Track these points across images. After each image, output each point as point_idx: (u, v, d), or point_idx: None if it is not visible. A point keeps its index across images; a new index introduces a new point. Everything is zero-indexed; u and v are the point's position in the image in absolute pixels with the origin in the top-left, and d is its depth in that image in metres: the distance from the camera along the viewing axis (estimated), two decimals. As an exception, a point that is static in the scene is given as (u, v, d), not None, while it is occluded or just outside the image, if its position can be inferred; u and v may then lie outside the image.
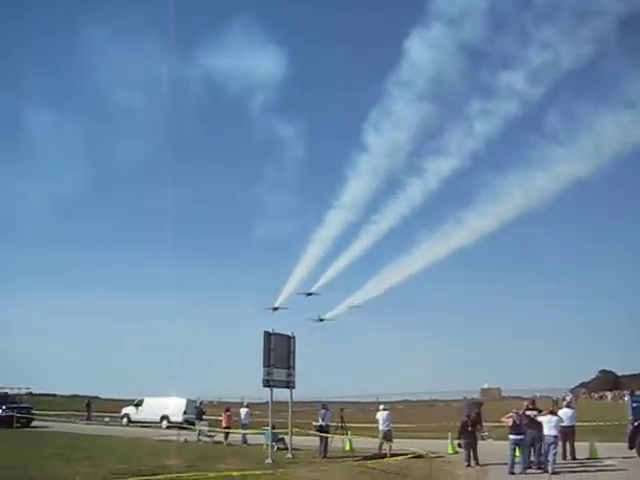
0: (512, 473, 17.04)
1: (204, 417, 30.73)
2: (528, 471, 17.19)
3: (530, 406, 18.65)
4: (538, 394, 76.39)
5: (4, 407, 34.68)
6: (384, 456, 20.58)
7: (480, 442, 22.18)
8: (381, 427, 21.89)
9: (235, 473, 16.98)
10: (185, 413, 36.86)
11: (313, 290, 38.47)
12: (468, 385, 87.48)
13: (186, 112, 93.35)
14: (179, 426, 34.42)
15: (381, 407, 22.85)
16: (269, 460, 20.18)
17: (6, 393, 40.69)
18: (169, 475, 15.60)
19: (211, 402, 55.74)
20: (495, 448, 22.36)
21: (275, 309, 37.94)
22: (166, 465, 18.69)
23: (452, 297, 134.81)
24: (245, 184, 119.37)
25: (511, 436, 17.69)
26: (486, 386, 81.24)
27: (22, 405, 37.34)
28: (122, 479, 15.36)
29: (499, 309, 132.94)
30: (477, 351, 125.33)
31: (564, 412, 19.12)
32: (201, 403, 35.21)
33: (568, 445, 19.28)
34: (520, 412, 18.10)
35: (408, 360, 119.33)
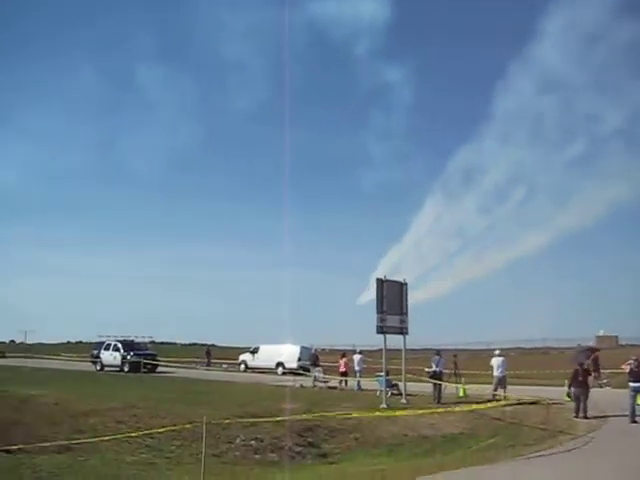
0: (634, 422, 16.34)
1: (319, 363, 31.42)
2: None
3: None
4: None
5: (132, 353, 37.06)
6: (498, 402, 20.28)
7: (598, 389, 21.44)
8: (495, 373, 21.48)
9: (355, 414, 17.35)
10: (299, 360, 37.79)
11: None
12: (583, 332, 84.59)
13: (293, 60, 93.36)
14: (294, 372, 35.40)
15: (496, 352, 22.39)
16: (383, 405, 20.37)
17: (132, 340, 43.16)
18: (293, 416, 16.17)
19: (323, 349, 56.79)
20: (614, 396, 21.60)
21: None
22: (284, 409, 19.26)
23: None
24: (352, 130, 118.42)
25: (631, 384, 16.88)
26: (602, 333, 77.81)
27: (148, 352, 39.69)
28: (243, 421, 16.00)
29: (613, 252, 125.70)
30: (593, 297, 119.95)
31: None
32: (316, 350, 36.04)
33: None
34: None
35: (521, 307, 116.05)
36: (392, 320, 21.42)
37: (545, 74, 50.34)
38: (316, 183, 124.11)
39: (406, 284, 22.57)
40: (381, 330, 21.01)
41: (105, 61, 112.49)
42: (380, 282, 21.25)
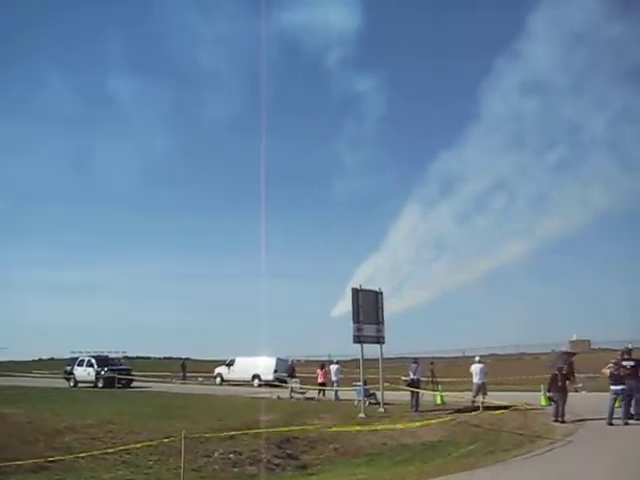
0: (611, 424, 16.51)
1: (295, 375, 31.33)
2: (630, 421, 16.64)
3: (626, 356, 17.87)
4: (630, 345, 73.75)
5: (106, 369, 36.57)
6: (477, 409, 20.40)
7: (573, 394, 21.67)
8: (475, 380, 21.59)
9: (337, 428, 17.28)
10: (275, 372, 37.69)
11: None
12: (556, 338, 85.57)
13: (266, 70, 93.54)
14: (270, 384, 35.27)
15: (476, 359, 22.53)
16: (362, 415, 20.34)
17: (107, 356, 42.69)
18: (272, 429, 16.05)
19: (299, 361, 56.70)
20: (590, 400, 21.89)
21: None
22: (262, 420, 19.15)
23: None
24: (324, 140, 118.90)
25: (612, 387, 17.08)
26: (575, 338, 78.93)
27: (122, 367, 39.23)
28: (221, 434, 15.85)
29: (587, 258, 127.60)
30: (564, 303, 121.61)
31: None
32: (292, 362, 35.96)
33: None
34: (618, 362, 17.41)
35: (494, 314, 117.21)
36: (369, 329, 21.44)
37: (523, 84, 51.03)
38: (291, 193, 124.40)
39: (381, 293, 22.63)
40: (358, 340, 21.00)
41: (76, 74, 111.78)
42: (356, 292, 21.27)
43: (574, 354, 22.95)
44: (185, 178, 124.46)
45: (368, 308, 21.54)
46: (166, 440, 14.52)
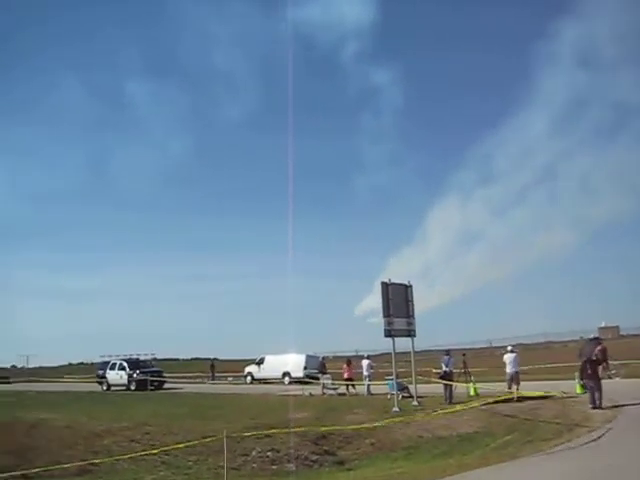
0: None
1: (326, 371, 31.38)
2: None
3: None
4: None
5: (138, 371, 36.92)
6: (512, 399, 20.25)
7: (607, 381, 21.47)
8: (508, 370, 21.38)
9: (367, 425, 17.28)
10: (305, 368, 37.70)
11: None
12: (585, 324, 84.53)
13: (281, 68, 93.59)
14: (301, 381, 35.33)
15: (508, 349, 22.30)
16: (396, 409, 20.28)
17: (138, 358, 42.98)
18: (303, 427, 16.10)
19: (327, 357, 56.80)
20: (625, 386, 21.68)
21: None
22: (296, 418, 19.20)
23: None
24: (343, 135, 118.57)
25: None
26: (603, 325, 78.11)
27: (154, 369, 39.53)
28: (256, 432, 15.93)
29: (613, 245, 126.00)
30: (593, 289, 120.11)
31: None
32: (324, 358, 35.96)
33: None
34: None
35: (520, 302, 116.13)
36: (399, 323, 21.39)
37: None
38: (312, 190, 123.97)
39: (411, 286, 22.56)
40: (389, 333, 20.95)
41: (92, 77, 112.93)
42: (385, 285, 21.21)
43: (601, 340, 22.63)
44: (203, 179, 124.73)
45: (398, 302, 21.49)
46: (207, 440, 14.67)
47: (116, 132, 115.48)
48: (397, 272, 24.51)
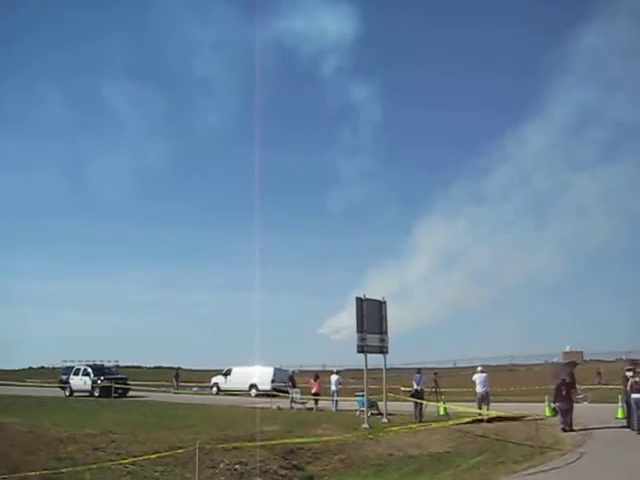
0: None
1: (296, 385, 31.15)
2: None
3: (630, 367, 17.90)
4: (624, 356, 74.07)
5: (102, 378, 36.23)
6: (482, 420, 20.24)
7: (576, 405, 21.64)
8: (478, 389, 21.39)
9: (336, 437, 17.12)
10: (273, 381, 37.40)
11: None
12: (549, 349, 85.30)
13: (259, 78, 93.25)
14: (268, 394, 35.03)
15: (479, 369, 22.31)
16: (365, 425, 20.18)
17: (103, 365, 42.27)
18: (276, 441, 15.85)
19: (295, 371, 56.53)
20: (593, 410, 21.87)
21: None
22: (264, 431, 18.93)
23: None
24: (319, 149, 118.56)
25: (634, 395, 16.91)
26: (568, 349, 79.05)
27: (119, 376, 38.87)
28: (225, 445, 15.64)
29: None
30: (557, 313, 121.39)
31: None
32: (293, 372, 35.70)
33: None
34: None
35: (485, 324, 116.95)
36: (372, 339, 21.29)
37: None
38: (284, 203, 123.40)
39: (385, 302, 22.49)
40: (362, 349, 20.85)
41: (69, 80, 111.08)
42: (360, 301, 21.14)
43: (576, 364, 22.82)
44: (177, 188, 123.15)
45: (372, 318, 21.40)
46: (180, 451, 14.32)
47: (93, 137, 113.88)
48: (370, 289, 24.16)
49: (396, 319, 24.04)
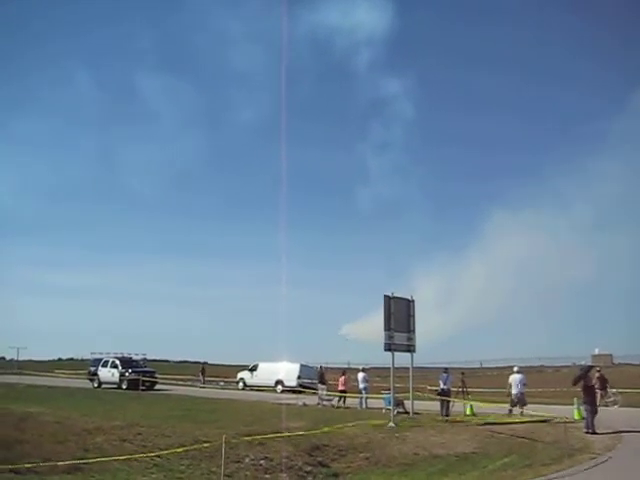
0: None
1: (325, 381, 31.14)
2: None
3: None
4: (654, 360, 72.70)
5: (130, 370, 36.62)
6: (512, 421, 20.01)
7: (605, 408, 21.32)
8: (514, 391, 21.08)
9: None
10: (299, 377, 37.42)
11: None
12: (578, 351, 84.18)
13: (292, 72, 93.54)
14: (294, 390, 35.09)
15: (515, 369, 22.03)
16: (391, 424, 20.07)
17: (131, 357, 42.65)
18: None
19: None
20: (622, 414, 21.51)
21: None
22: (290, 427, 18.94)
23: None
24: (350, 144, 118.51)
25: None
26: (597, 352, 77.93)
27: (146, 369, 39.27)
28: (250, 439, 15.65)
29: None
30: (588, 315, 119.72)
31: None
32: (322, 368, 35.70)
33: None
34: None
35: (513, 325, 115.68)
36: (400, 338, 21.14)
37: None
38: (313, 200, 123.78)
39: (413, 301, 22.33)
40: (389, 348, 20.70)
41: (104, 71, 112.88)
42: (388, 299, 20.98)
43: (599, 368, 22.40)
44: (206, 182, 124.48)
45: (400, 316, 21.25)
46: (206, 445, 14.36)
47: (126, 127, 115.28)
48: (399, 289, 23.75)
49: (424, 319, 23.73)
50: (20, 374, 46.75)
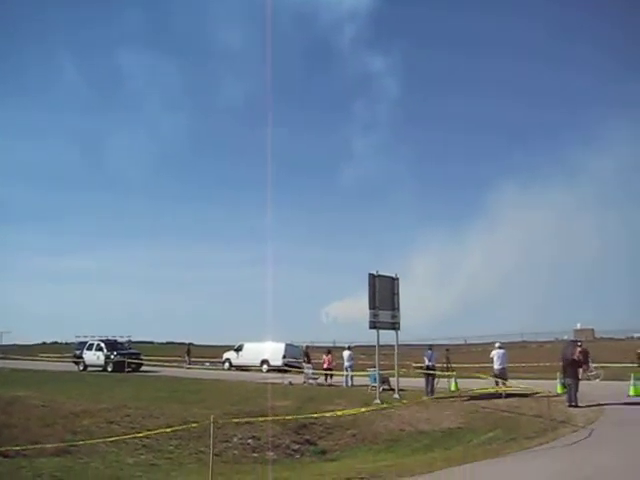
0: None
1: (310, 360, 31.34)
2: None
3: None
4: (635, 334, 73.94)
5: (115, 353, 36.56)
6: (494, 395, 20.27)
7: (587, 382, 21.68)
8: (496, 366, 21.27)
9: (352, 411, 17.22)
10: (284, 357, 37.57)
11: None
12: (560, 326, 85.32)
13: (278, 49, 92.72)
14: (279, 369, 35.28)
15: (496, 345, 22.15)
16: (377, 400, 20.28)
17: (116, 340, 42.53)
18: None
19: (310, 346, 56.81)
20: (604, 388, 21.92)
21: None
22: (276, 406, 19.08)
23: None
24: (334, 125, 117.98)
25: None
26: (579, 327, 78.98)
27: (132, 351, 39.16)
28: (238, 419, 15.75)
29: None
30: (569, 291, 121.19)
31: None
32: (307, 347, 35.85)
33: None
34: None
35: (496, 302, 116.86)
36: (384, 315, 21.30)
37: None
38: (297, 180, 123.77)
39: (397, 279, 22.45)
40: (374, 325, 20.88)
41: (87, 52, 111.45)
42: (372, 277, 21.12)
43: (581, 342, 22.72)
44: (192, 164, 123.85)
45: (384, 294, 21.39)
46: (194, 425, 14.46)
47: (110, 112, 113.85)
48: (383, 268, 23.77)
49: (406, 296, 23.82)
50: (4, 358, 46.50)
